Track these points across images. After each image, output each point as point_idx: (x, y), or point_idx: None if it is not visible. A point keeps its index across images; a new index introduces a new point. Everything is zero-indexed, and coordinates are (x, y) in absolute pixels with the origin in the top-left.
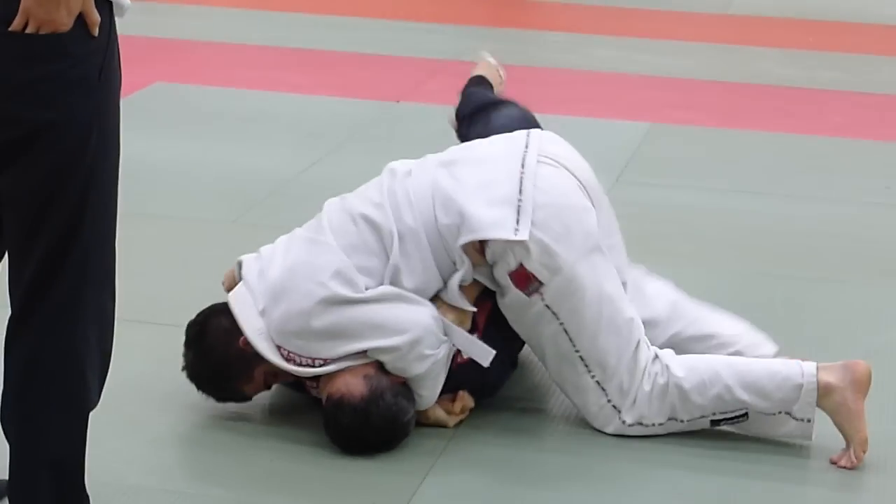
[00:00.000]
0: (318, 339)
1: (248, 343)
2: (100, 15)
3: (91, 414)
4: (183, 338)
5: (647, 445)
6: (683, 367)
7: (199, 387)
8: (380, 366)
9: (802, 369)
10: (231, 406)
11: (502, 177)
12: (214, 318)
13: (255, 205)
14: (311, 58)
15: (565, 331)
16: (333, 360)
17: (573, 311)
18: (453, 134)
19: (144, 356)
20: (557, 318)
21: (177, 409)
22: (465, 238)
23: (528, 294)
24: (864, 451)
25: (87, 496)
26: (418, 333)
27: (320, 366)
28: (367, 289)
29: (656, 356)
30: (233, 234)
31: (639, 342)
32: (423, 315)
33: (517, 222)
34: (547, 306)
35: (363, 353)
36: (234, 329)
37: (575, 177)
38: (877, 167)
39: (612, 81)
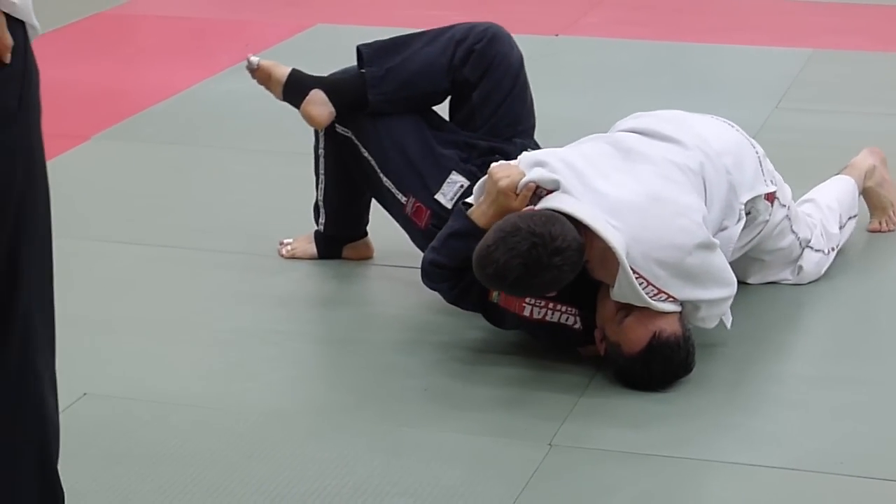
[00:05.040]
0: (680, 276)
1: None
2: (13, 38)
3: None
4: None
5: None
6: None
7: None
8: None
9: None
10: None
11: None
12: (550, 224)
13: None
14: None
15: (789, 217)
16: (674, 301)
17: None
18: (613, 67)
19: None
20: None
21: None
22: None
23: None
24: None
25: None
26: (734, 288)
27: (662, 300)
28: None
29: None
30: None
31: None
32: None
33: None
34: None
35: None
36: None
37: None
38: None
39: (774, 9)
